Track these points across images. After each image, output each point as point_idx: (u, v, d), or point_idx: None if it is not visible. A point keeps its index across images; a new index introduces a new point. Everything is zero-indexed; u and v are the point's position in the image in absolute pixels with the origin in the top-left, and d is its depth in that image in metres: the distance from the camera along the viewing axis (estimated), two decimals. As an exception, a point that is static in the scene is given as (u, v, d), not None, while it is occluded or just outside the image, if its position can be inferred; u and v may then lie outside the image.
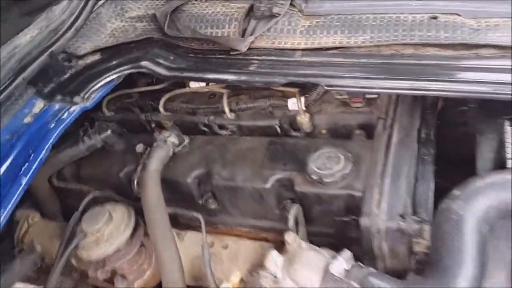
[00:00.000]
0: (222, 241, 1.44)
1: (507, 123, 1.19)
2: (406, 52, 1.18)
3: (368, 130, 1.35)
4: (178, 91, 1.67)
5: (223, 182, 1.32)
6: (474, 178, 0.94)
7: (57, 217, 1.68)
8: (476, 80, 1.07)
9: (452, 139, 1.48)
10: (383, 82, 1.14)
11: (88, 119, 1.69)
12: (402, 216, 1.05)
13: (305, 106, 1.47)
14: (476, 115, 1.29)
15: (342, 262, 0.91)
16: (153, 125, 1.68)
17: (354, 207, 1.16)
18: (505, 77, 1.04)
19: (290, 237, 1.08)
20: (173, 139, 1.40)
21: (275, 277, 1.01)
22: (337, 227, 1.25)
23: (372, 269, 0.94)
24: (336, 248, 1.24)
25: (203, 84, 1.77)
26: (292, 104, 1.47)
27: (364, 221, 1.07)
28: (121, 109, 1.80)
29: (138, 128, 1.73)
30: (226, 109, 1.52)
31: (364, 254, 1.12)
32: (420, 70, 1.13)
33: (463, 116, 1.48)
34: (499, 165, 1.13)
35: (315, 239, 1.29)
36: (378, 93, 1.31)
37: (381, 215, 1.06)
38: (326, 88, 1.17)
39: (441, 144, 1.62)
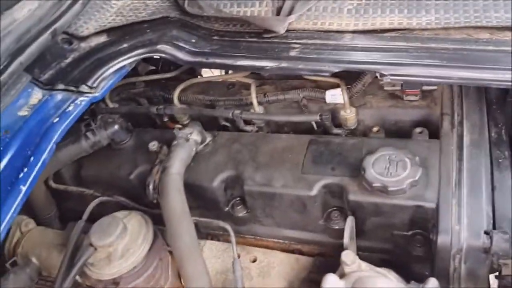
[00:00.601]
0: (250, 253, 1.28)
1: None
2: (481, 37, 1.02)
3: (429, 128, 1.19)
4: (195, 80, 1.48)
5: (258, 188, 1.14)
6: None
7: (53, 223, 1.49)
8: None
9: None
10: (461, 72, 0.97)
11: (87, 112, 1.50)
12: (487, 233, 0.89)
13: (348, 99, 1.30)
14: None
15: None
16: (165, 119, 1.49)
17: (421, 220, 1.00)
18: None
19: (349, 257, 0.91)
20: (195, 136, 1.22)
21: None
22: (395, 243, 1.08)
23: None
24: (391, 265, 1.09)
25: (218, 72, 1.60)
26: (332, 96, 1.30)
27: (443, 238, 0.90)
28: (126, 100, 1.61)
29: (144, 122, 1.55)
30: (255, 102, 1.34)
31: (438, 276, 0.95)
32: (501, 58, 0.97)
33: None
34: None
35: (365, 255, 1.14)
36: (455, 84, 1.14)
37: (462, 232, 0.90)
38: (391, 78, 1.00)
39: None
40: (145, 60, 1.49)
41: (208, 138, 1.30)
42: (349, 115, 1.26)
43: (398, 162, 1.02)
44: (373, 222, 1.07)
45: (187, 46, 1.19)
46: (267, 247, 1.30)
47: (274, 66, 1.09)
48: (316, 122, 1.30)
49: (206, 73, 1.93)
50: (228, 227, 1.16)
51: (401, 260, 1.08)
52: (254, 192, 1.15)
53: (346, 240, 0.99)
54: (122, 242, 1.09)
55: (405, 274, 1.05)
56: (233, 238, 1.14)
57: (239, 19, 1.20)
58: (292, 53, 1.11)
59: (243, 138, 1.29)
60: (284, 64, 1.09)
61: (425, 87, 1.23)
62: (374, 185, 1.00)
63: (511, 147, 1.10)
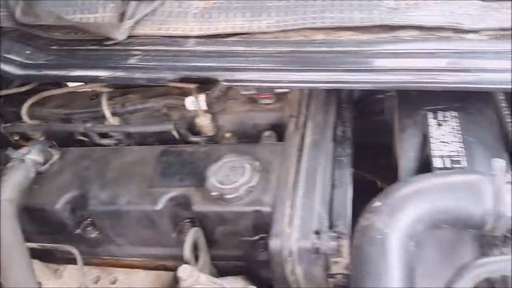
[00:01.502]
0: (111, 274, 1.25)
1: (430, 115, 1.13)
2: (316, 38, 1.08)
3: (280, 131, 1.24)
4: (45, 94, 1.44)
5: (102, 207, 1.12)
6: (397, 186, 0.85)
7: None
8: (397, 68, 1.00)
9: (368, 128, 1.43)
10: (292, 75, 1.03)
11: None
12: (317, 233, 0.95)
13: (207, 105, 1.32)
14: (394, 106, 1.22)
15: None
16: (16, 138, 1.43)
17: (263, 225, 1.03)
18: (428, 62, 0.98)
19: (185, 272, 0.93)
20: (33, 156, 1.17)
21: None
22: (245, 249, 1.11)
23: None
24: (247, 272, 1.13)
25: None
26: (191, 103, 1.31)
27: (273, 243, 0.94)
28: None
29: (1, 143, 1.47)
30: (107, 113, 1.33)
31: (276, 281, 1.00)
32: (333, 58, 1.03)
33: (380, 104, 1.44)
34: (424, 164, 1.06)
35: (221, 264, 1.16)
36: (287, 88, 1.20)
37: (293, 234, 0.95)
38: (225, 83, 1.04)
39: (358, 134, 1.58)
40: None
41: (56, 156, 1.26)
42: (204, 122, 1.28)
43: (238, 169, 1.05)
44: (221, 231, 1.09)
45: (19, 59, 1.15)
46: (131, 266, 1.29)
47: (109, 75, 1.09)
48: (175, 131, 1.31)
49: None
50: (74, 250, 1.13)
51: (253, 266, 1.11)
52: (99, 211, 1.13)
53: (186, 253, 1.00)
54: None
55: (257, 280, 1.10)
56: (80, 262, 1.12)
57: (78, 26, 1.19)
58: (131, 61, 1.11)
59: (94, 154, 1.26)
60: (120, 73, 1.09)
61: (278, 90, 1.28)
62: (212, 193, 1.02)
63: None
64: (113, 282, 1.25)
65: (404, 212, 0.80)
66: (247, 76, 1.04)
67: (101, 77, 1.09)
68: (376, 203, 0.83)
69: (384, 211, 0.81)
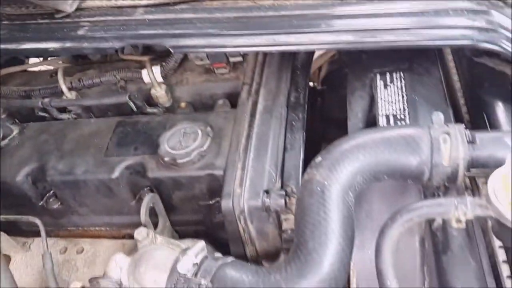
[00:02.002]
0: (78, 245, 1.28)
1: (378, 77, 1.16)
2: (264, 3, 1.10)
3: (236, 100, 1.25)
4: (4, 71, 1.43)
5: (60, 177, 1.13)
6: (338, 142, 0.88)
7: None
8: (341, 29, 1.02)
9: (336, 103, 1.46)
10: (237, 39, 1.04)
11: None
12: (267, 192, 0.97)
13: (163, 77, 1.34)
14: (348, 73, 1.25)
15: (191, 257, 0.79)
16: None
17: (218, 188, 1.06)
18: (371, 22, 1.00)
19: (140, 234, 0.95)
20: (-11, 132, 1.18)
21: (120, 285, 0.87)
22: (203, 213, 1.14)
23: (229, 258, 0.84)
24: (207, 236, 1.16)
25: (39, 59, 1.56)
26: (147, 75, 1.32)
27: (225, 203, 0.97)
28: None
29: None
30: (64, 87, 1.33)
31: (231, 240, 1.03)
32: (279, 22, 1.05)
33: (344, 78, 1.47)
34: (371, 124, 1.10)
35: (182, 229, 1.19)
36: (233, 52, 1.21)
37: (243, 194, 0.97)
38: (171, 50, 1.05)
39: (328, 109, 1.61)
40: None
41: (15, 131, 1.26)
42: (159, 93, 1.29)
43: (190, 135, 1.07)
44: (178, 196, 1.12)
45: (-33, 35, 1.15)
46: (98, 236, 1.31)
47: (58, 47, 1.09)
48: (134, 103, 1.32)
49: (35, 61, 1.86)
50: (36, 220, 1.14)
51: (211, 229, 1.14)
52: (58, 182, 1.14)
53: (142, 217, 1.03)
54: None
55: (217, 243, 1.13)
56: (43, 232, 1.13)
57: (29, 0, 1.18)
58: (80, 32, 1.11)
59: (52, 128, 1.27)
60: (68, 45, 1.09)
61: (233, 59, 1.30)
62: (165, 159, 1.04)
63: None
64: (80, 252, 1.27)
65: (343, 165, 0.83)
66: (194, 42, 1.06)
67: (51, 49, 1.09)
68: (318, 159, 0.86)
69: (325, 165, 0.84)
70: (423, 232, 0.95)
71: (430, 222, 0.89)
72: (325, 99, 1.65)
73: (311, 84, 1.86)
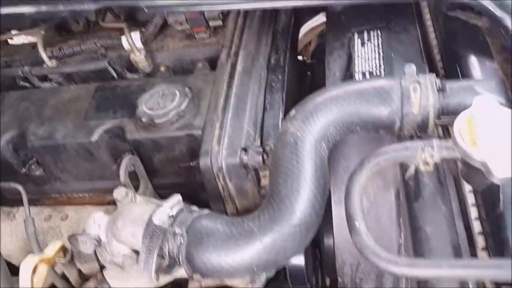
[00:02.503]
0: (62, 212, 1.29)
1: (356, 36, 1.17)
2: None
3: (215, 64, 1.25)
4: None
5: (40, 142, 1.14)
6: (312, 95, 0.89)
7: None
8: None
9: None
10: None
11: None
12: (245, 149, 0.98)
13: (143, 43, 1.34)
14: (327, 35, 1.25)
15: (166, 209, 0.81)
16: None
17: (198, 149, 1.06)
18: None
19: (120, 193, 0.96)
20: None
21: (98, 241, 0.89)
22: (185, 175, 1.15)
23: (205, 211, 0.85)
24: (189, 198, 1.16)
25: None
26: (127, 42, 1.32)
27: (203, 161, 0.98)
28: None
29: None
30: (44, 56, 1.33)
31: (211, 199, 1.04)
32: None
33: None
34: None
35: (166, 192, 1.19)
36: (209, 12, 1.21)
37: (222, 152, 0.98)
38: (146, 10, 1.04)
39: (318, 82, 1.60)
40: None
41: (-6, 101, 1.27)
42: (138, 57, 1.29)
43: (168, 96, 1.07)
44: (159, 159, 1.12)
45: None
46: (82, 203, 1.32)
47: (34, 11, 1.09)
48: (114, 69, 1.32)
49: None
50: (19, 186, 1.15)
51: (192, 191, 1.15)
52: (38, 147, 1.15)
53: (122, 177, 1.04)
54: None
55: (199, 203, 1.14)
56: (24, 197, 1.14)
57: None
58: (54, -6, 1.11)
59: (32, 95, 1.27)
60: (44, 8, 1.08)
61: (212, 23, 1.30)
62: (143, 120, 1.05)
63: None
64: (64, 219, 1.28)
65: (316, 117, 0.83)
66: (169, 2, 1.05)
67: (26, 13, 1.09)
68: (292, 112, 0.87)
69: (298, 117, 0.84)
70: (399, 184, 0.97)
71: (403, 172, 0.91)
72: (315, 72, 1.65)
73: (300, 58, 1.87)
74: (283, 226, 0.75)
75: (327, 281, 1.72)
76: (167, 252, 0.79)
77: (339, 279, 1.05)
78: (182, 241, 0.77)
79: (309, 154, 0.81)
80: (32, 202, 1.33)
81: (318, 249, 1.52)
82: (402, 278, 0.92)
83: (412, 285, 0.91)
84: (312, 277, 1.46)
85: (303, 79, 1.57)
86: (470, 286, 0.70)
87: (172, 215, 0.81)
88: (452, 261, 0.69)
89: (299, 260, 1.37)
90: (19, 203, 1.30)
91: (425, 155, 0.71)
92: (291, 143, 0.82)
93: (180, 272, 0.91)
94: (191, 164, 1.11)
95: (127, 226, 0.85)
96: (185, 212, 0.83)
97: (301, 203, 0.76)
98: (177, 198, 0.85)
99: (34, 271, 0.91)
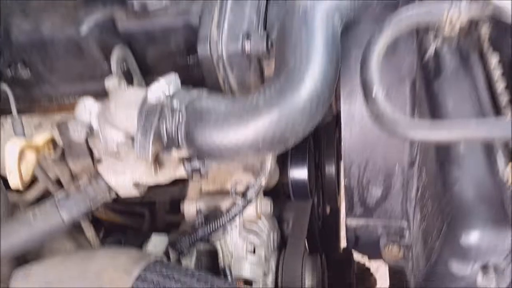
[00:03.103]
0: (52, 119, 1.24)
1: None
2: None
3: None
4: None
5: (25, 36, 1.06)
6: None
7: None
8: None
9: None
10: None
11: None
12: (248, 35, 0.90)
13: None
14: None
15: (162, 84, 0.74)
16: None
17: (195, 42, 0.99)
18: None
19: (111, 82, 0.89)
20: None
21: (90, 128, 0.83)
22: (183, 75, 1.07)
23: (204, 90, 0.79)
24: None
25: None
26: None
27: (201, 48, 0.90)
28: None
29: None
30: None
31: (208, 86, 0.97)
32: None
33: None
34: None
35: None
36: None
37: (222, 37, 0.90)
38: None
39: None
40: None
41: (-26, -3, 1.17)
42: None
43: (162, -19, 0.98)
44: (153, 54, 1.04)
45: None
46: (73, 110, 1.26)
47: None
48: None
49: None
50: (4, 86, 1.08)
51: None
52: (23, 43, 1.07)
53: (113, 67, 0.96)
54: None
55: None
56: (11, 97, 1.07)
57: None
58: None
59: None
60: None
61: None
62: (135, 7, 0.96)
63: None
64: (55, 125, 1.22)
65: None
66: None
67: None
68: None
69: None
70: (415, 76, 0.90)
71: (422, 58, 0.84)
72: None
73: None
74: (292, 98, 0.69)
75: (327, 210, 1.70)
76: (164, 132, 0.72)
77: (345, 182, 1.01)
78: (181, 118, 0.71)
79: (320, 25, 0.73)
80: (21, 110, 1.27)
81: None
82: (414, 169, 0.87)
83: (422, 183, 0.86)
84: (314, 194, 1.43)
85: None
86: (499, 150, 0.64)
87: (169, 95, 0.75)
88: (479, 120, 0.63)
89: (302, 174, 1.33)
90: (8, 112, 1.25)
91: (452, 14, 0.64)
92: (301, 14, 0.74)
93: (180, 172, 0.86)
94: (189, 64, 1.04)
95: (120, 109, 0.78)
96: (183, 91, 0.76)
97: (311, 74, 0.69)
98: (173, 76, 0.77)
99: (20, 157, 0.84)
